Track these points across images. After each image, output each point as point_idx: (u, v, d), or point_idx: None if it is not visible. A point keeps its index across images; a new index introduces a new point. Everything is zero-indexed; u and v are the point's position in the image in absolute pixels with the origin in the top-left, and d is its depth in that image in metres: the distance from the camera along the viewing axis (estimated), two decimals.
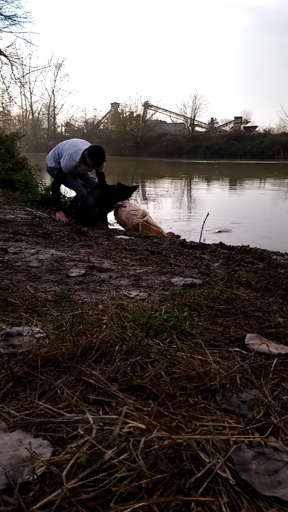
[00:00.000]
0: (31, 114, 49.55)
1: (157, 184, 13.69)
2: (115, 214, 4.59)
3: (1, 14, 15.43)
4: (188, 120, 41.60)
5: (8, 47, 16.60)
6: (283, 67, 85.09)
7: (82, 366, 0.90)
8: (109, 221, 4.73)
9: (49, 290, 1.70)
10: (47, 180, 5.29)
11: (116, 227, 4.53)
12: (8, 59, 16.12)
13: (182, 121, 42.79)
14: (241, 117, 41.35)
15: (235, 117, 41.65)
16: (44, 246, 2.67)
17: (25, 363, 0.89)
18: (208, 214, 4.57)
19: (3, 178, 6.74)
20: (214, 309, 1.44)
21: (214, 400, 0.83)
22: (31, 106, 48.16)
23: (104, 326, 1.16)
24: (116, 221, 4.65)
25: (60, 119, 53.29)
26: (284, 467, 0.62)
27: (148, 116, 42.28)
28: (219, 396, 0.83)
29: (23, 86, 25.16)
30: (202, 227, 4.64)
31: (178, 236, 4.43)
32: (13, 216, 3.81)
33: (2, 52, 15.94)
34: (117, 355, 0.97)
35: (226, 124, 42.28)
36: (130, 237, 3.53)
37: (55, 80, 47.77)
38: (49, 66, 45.02)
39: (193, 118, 41.17)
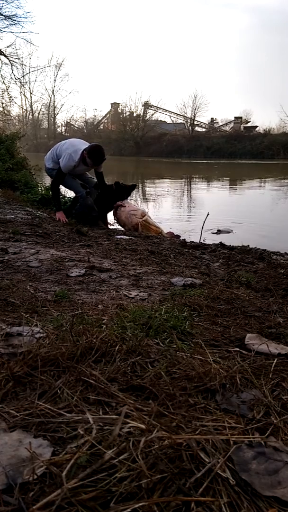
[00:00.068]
0: (31, 114, 49.57)
1: (157, 184, 13.69)
2: (115, 214, 4.59)
3: (1, 14, 15.43)
4: (188, 120, 41.63)
5: (8, 47, 16.62)
6: (283, 67, 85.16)
7: (82, 366, 0.90)
8: (109, 221, 4.73)
9: (49, 290, 1.70)
10: (47, 180, 5.29)
11: (116, 227, 4.52)
12: (8, 59, 16.12)
13: (182, 121, 42.82)
14: (241, 117, 41.36)
15: (235, 117, 41.67)
16: (44, 246, 2.67)
17: (25, 363, 0.89)
18: (208, 214, 4.57)
19: (3, 178, 6.74)
20: (214, 309, 1.44)
21: (214, 400, 0.83)
22: (31, 106, 48.21)
23: (104, 326, 1.16)
24: (115, 221, 4.65)
25: (60, 119, 53.35)
26: (284, 467, 0.62)
27: (148, 116, 42.30)
28: (219, 396, 0.83)
29: (23, 86, 25.16)
30: (202, 227, 4.64)
31: (178, 236, 4.43)
32: (13, 216, 3.81)
33: (2, 52, 15.94)
34: (117, 355, 0.97)
35: (226, 124, 42.29)
36: (130, 237, 3.53)
37: (55, 80, 47.79)
38: (49, 66, 45.03)
39: (193, 118, 41.21)
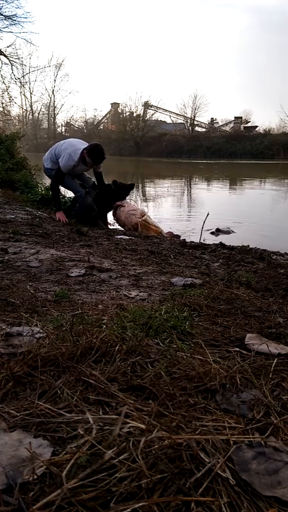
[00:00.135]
0: (31, 114, 49.57)
1: (157, 184, 13.69)
2: (114, 215, 4.58)
3: (1, 14, 15.43)
4: (188, 120, 41.64)
5: (8, 47, 16.61)
6: (283, 67, 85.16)
7: (82, 366, 0.90)
8: (109, 221, 4.73)
9: (49, 290, 1.70)
10: (47, 180, 5.29)
11: (116, 227, 4.52)
12: (8, 59, 16.12)
13: (182, 121, 42.83)
14: (241, 117, 41.38)
15: (235, 117, 41.69)
16: (44, 246, 2.67)
17: (25, 363, 0.89)
18: (208, 214, 4.57)
19: (3, 178, 6.74)
20: (214, 309, 1.44)
21: (214, 400, 0.83)
22: (31, 106, 48.22)
23: (104, 326, 1.16)
24: (115, 221, 4.64)
25: (60, 119, 53.37)
26: (284, 467, 0.62)
27: (148, 116, 42.32)
28: (219, 396, 0.83)
29: (23, 86, 25.16)
30: (202, 227, 4.64)
31: (178, 236, 4.42)
32: (13, 216, 3.81)
33: (2, 52, 15.94)
34: (117, 355, 0.97)
35: (226, 124, 42.30)
36: (130, 237, 3.53)
37: (55, 80, 47.80)
38: (49, 66, 45.06)
39: (193, 118, 41.23)
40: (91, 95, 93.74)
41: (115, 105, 46.41)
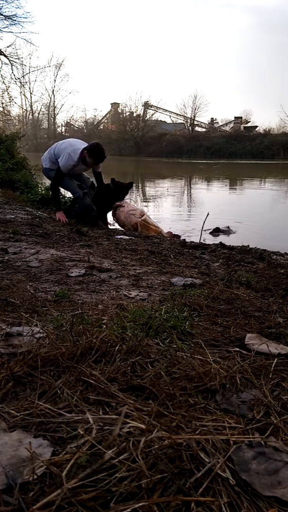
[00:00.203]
0: (31, 114, 49.56)
1: (157, 184, 13.69)
2: (114, 215, 4.58)
3: (1, 14, 15.42)
4: (188, 120, 41.64)
5: (8, 47, 16.59)
6: (283, 67, 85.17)
7: (82, 366, 0.90)
8: (109, 221, 4.73)
9: (49, 290, 1.70)
10: (47, 180, 5.29)
11: (116, 227, 4.52)
12: (8, 59, 16.11)
13: (182, 121, 42.83)
14: (241, 117, 41.37)
15: (235, 117, 41.68)
16: (44, 246, 2.67)
17: (25, 363, 0.89)
18: (208, 214, 4.57)
19: (3, 178, 6.74)
20: (214, 309, 1.44)
21: (214, 400, 0.83)
22: (31, 106, 48.21)
23: (104, 326, 1.16)
24: (115, 221, 4.64)
25: (60, 119, 53.34)
26: (284, 467, 0.62)
27: (148, 116, 42.31)
28: (219, 396, 0.83)
29: (23, 86, 25.14)
30: (202, 227, 4.64)
31: (178, 236, 4.42)
32: (13, 216, 3.81)
33: (2, 52, 15.93)
34: (117, 355, 0.97)
35: (226, 124, 42.30)
36: (130, 237, 3.53)
37: (55, 80, 47.77)
38: (49, 66, 45.07)
39: (193, 118, 41.22)
40: (91, 95, 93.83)
41: (115, 105, 46.42)
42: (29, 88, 41.25)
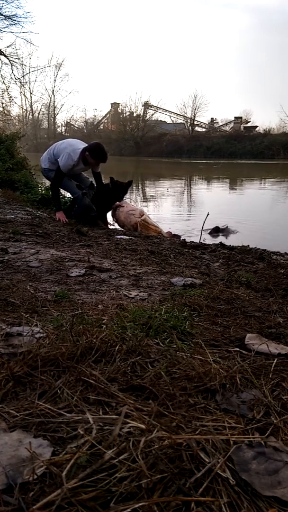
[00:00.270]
0: (31, 114, 49.56)
1: (157, 184, 13.69)
2: (113, 215, 4.58)
3: (1, 14, 15.41)
4: (188, 120, 41.64)
5: (8, 47, 16.59)
6: (283, 67, 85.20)
7: (82, 366, 0.90)
8: (109, 221, 4.73)
9: (49, 290, 1.70)
10: (47, 180, 5.31)
11: (116, 227, 4.52)
12: (8, 59, 16.11)
13: (182, 121, 42.83)
14: (241, 117, 41.38)
15: (235, 117, 41.69)
16: (44, 246, 2.67)
17: (25, 363, 0.89)
18: (208, 214, 4.57)
19: (3, 178, 6.74)
20: (214, 309, 1.44)
21: (214, 400, 0.83)
22: (31, 106, 48.20)
23: (104, 326, 1.16)
24: (114, 221, 4.64)
25: (60, 119, 53.34)
26: (284, 467, 0.62)
27: (148, 116, 42.31)
28: (219, 396, 0.83)
29: (23, 86, 25.14)
30: (202, 227, 4.64)
31: (179, 237, 4.42)
32: (13, 216, 3.81)
33: (2, 52, 15.92)
34: (117, 355, 0.97)
35: (226, 124, 42.31)
36: (130, 237, 3.53)
37: (55, 80, 47.77)
38: (49, 66, 45.06)
39: (193, 118, 41.23)
40: (91, 95, 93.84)
41: (115, 105, 46.42)
42: (29, 88, 41.30)
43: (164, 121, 44.84)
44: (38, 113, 50.92)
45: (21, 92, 38.68)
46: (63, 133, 48.37)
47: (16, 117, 37.98)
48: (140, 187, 12.44)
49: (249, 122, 41.52)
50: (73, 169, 4.07)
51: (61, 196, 4.84)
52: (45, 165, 4.26)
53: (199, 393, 0.84)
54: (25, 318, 1.24)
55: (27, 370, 0.87)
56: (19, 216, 3.91)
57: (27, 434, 0.67)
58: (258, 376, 0.94)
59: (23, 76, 18.97)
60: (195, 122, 41.67)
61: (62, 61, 49.74)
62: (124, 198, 4.64)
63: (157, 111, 42.87)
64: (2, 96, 17.30)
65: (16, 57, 16.52)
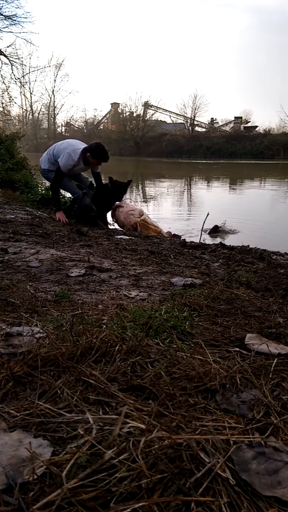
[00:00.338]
0: (31, 114, 49.57)
1: (157, 184, 13.69)
2: (113, 216, 4.58)
3: (1, 14, 15.41)
4: (188, 120, 41.66)
5: (8, 47, 16.60)
6: (283, 67, 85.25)
7: (82, 366, 0.90)
8: (109, 221, 4.73)
9: (49, 290, 1.70)
10: (47, 181, 5.32)
11: (116, 227, 4.52)
12: (8, 59, 16.11)
13: (182, 121, 42.84)
14: (241, 117, 41.39)
15: (235, 117, 41.70)
16: (44, 246, 2.67)
17: (25, 363, 0.89)
18: (208, 214, 4.57)
19: (3, 178, 6.74)
20: (214, 309, 1.44)
21: (214, 400, 0.83)
22: (31, 106, 48.21)
23: (104, 326, 1.16)
24: (114, 222, 4.64)
25: (60, 119, 53.39)
26: (284, 467, 0.62)
27: (148, 116, 42.32)
28: (219, 396, 0.83)
29: (23, 86, 25.11)
30: (202, 227, 4.64)
31: (179, 237, 4.42)
32: (13, 216, 3.81)
33: (2, 52, 15.92)
34: (117, 355, 0.97)
35: (226, 124, 42.32)
36: (130, 237, 3.53)
37: (55, 80, 47.81)
38: (49, 66, 45.10)
39: (193, 118, 41.24)
40: (91, 95, 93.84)
41: (115, 105, 46.42)
42: (29, 88, 41.31)
43: (164, 121, 44.88)
44: (38, 113, 50.98)
45: (21, 92, 38.74)
46: (63, 133, 48.38)
47: (16, 117, 38.03)
48: (140, 187, 12.44)
49: (249, 122, 41.59)
50: (73, 169, 4.07)
51: (61, 196, 4.84)
52: (45, 165, 4.26)
53: (199, 393, 0.84)
54: (25, 318, 1.24)
55: (27, 370, 0.87)
56: (19, 216, 3.91)
57: (27, 434, 0.67)
58: (258, 376, 0.94)
59: (23, 76, 18.99)
60: (195, 122, 41.72)
61: (62, 61, 49.84)
62: (124, 198, 4.64)
63: (157, 111, 42.94)
64: (2, 96, 17.32)
65: (16, 57, 16.54)
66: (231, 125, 41.39)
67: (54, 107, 49.76)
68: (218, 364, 0.96)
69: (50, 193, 4.73)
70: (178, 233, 4.74)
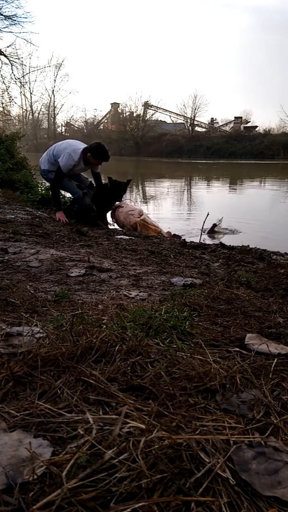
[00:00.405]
0: (31, 114, 49.57)
1: (157, 184, 13.69)
2: (113, 216, 4.57)
3: (1, 14, 15.41)
4: (188, 120, 41.66)
5: (8, 47, 16.58)
6: (283, 67, 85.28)
7: (82, 366, 0.90)
8: (109, 221, 4.72)
9: (49, 290, 1.70)
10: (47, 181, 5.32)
11: (116, 227, 4.52)
12: (8, 59, 16.11)
13: (182, 121, 42.84)
14: (241, 117, 41.39)
15: (235, 117, 41.70)
16: (44, 246, 2.67)
17: (25, 363, 0.89)
18: (208, 214, 4.57)
19: (3, 178, 6.74)
20: (214, 309, 1.44)
21: (214, 400, 0.83)
22: (31, 106, 48.21)
23: (104, 326, 1.16)
24: (114, 222, 4.64)
25: (60, 119, 53.37)
26: (284, 467, 0.62)
27: (148, 116, 42.32)
28: (219, 396, 0.83)
29: (23, 86, 25.08)
30: (202, 227, 4.64)
31: (179, 237, 4.42)
32: (13, 216, 3.81)
33: (2, 52, 15.92)
34: (117, 355, 0.97)
35: (226, 124, 42.32)
36: (130, 237, 3.53)
37: (55, 80, 47.80)
38: (49, 66, 45.16)
39: (193, 118, 41.25)
40: (91, 95, 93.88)
41: (115, 105, 46.43)
42: (29, 88, 41.27)
43: (164, 121, 44.89)
44: (38, 113, 50.98)
45: (21, 92, 38.72)
46: (63, 133, 48.39)
47: (16, 117, 38.02)
48: (140, 187, 12.44)
49: (249, 122, 41.59)
50: (73, 169, 4.07)
51: (61, 196, 4.84)
52: (44, 166, 4.26)
53: (199, 393, 0.84)
54: (25, 318, 1.24)
55: (27, 370, 0.87)
56: (19, 216, 3.91)
57: (27, 434, 0.67)
58: (258, 376, 0.94)
59: (23, 76, 18.97)
60: (195, 122, 41.73)
61: (62, 61, 49.80)
62: (123, 198, 4.63)
63: (157, 111, 42.94)
64: (2, 96, 17.32)
65: (16, 57, 16.53)
66: (231, 125, 41.40)
67: (54, 107, 49.83)
68: (218, 364, 0.96)
69: (50, 193, 4.73)
70: (178, 233, 4.73)
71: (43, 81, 75.42)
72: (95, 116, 49.30)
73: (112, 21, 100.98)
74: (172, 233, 4.61)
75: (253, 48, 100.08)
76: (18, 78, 16.89)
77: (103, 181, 4.48)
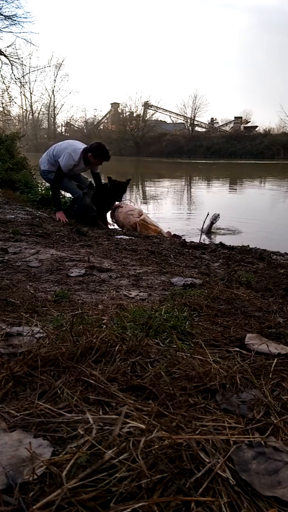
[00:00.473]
0: (31, 114, 49.55)
1: (157, 184, 13.69)
2: (112, 216, 4.57)
3: (1, 14, 15.40)
4: (188, 120, 41.66)
5: (8, 47, 16.58)
6: (283, 67, 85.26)
7: (82, 366, 0.90)
8: (109, 221, 4.72)
9: (49, 290, 1.70)
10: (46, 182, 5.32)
11: (115, 227, 4.52)
12: (8, 59, 16.10)
13: (182, 121, 42.84)
14: (241, 117, 41.39)
15: (235, 117, 41.70)
16: (44, 246, 2.67)
17: (25, 363, 0.89)
18: (208, 214, 4.57)
19: (3, 178, 6.74)
20: (214, 309, 1.44)
21: (214, 400, 0.83)
22: (31, 106, 48.20)
23: (104, 326, 1.16)
24: (114, 222, 4.63)
25: (60, 119, 53.33)
26: (284, 467, 0.62)
27: (148, 116, 42.31)
28: (219, 396, 0.83)
29: (23, 86, 25.07)
30: (202, 227, 4.64)
31: (179, 237, 4.42)
32: (13, 216, 3.81)
33: (2, 52, 15.92)
34: (117, 355, 0.97)
35: (226, 124, 42.31)
36: (130, 237, 3.53)
37: (55, 80, 47.77)
38: (49, 66, 45.09)
39: (193, 118, 41.25)
40: (91, 95, 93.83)
41: (115, 105, 46.42)
42: (29, 88, 41.25)
43: (164, 121, 44.87)
44: (38, 113, 50.96)
45: (21, 92, 38.72)
46: (63, 133, 48.39)
47: (16, 117, 38.02)
48: (140, 187, 12.44)
49: (249, 122, 41.58)
50: (73, 169, 4.07)
51: (61, 196, 4.84)
52: (44, 166, 4.26)
53: (199, 393, 0.84)
54: (25, 318, 1.24)
55: (27, 370, 0.87)
56: (19, 216, 3.91)
57: (27, 434, 0.67)
58: (258, 376, 0.94)
59: (23, 76, 18.96)
60: (195, 122, 41.73)
61: (62, 61, 49.77)
62: (123, 198, 4.63)
63: (157, 111, 42.93)
64: (2, 96, 17.32)
65: (16, 57, 16.53)
66: (231, 125, 41.39)
67: (54, 107, 49.81)
68: (218, 364, 0.96)
69: (50, 193, 4.72)
70: (178, 233, 4.73)
71: (43, 81, 75.41)
72: (95, 116, 49.36)
73: (112, 21, 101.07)
74: (172, 233, 4.61)
75: (253, 48, 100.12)
76: (18, 78, 16.90)
77: (103, 181, 4.49)
